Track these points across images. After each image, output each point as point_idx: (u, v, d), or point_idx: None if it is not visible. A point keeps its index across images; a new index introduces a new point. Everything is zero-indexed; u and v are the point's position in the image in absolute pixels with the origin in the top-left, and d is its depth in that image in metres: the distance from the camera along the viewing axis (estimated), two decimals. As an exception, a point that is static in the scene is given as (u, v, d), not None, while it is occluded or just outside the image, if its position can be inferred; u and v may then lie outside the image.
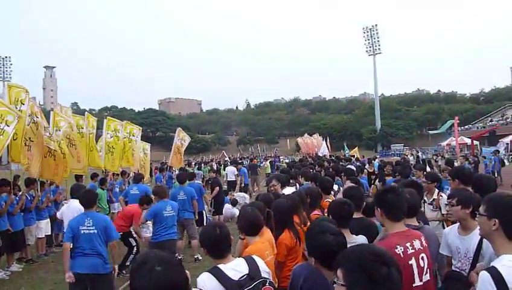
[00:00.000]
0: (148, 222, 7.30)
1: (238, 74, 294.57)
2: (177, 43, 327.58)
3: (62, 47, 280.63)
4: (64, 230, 5.56)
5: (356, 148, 31.70)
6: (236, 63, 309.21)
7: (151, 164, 17.64)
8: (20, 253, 8.45)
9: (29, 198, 8.33)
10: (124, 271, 7.32)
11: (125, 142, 11.68)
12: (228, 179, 16.42)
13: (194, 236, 8.17)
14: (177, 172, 14.98)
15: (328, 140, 36.21)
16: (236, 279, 2.31)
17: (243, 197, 13.24)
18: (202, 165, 27.79)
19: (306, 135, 41.19)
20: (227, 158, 34.24)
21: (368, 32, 79.06)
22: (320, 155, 27.09)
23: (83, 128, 10.35)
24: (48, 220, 8.93)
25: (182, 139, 13.42)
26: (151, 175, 17.98)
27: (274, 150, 53.85)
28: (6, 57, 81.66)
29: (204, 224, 9.81)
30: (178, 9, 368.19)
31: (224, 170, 19.26)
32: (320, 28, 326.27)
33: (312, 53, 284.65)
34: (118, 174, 12.63)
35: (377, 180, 9.92)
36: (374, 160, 16.08)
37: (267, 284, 2.36)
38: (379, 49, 78.98)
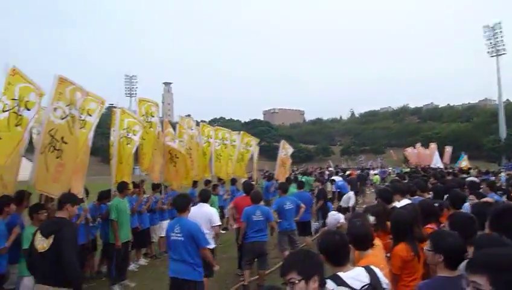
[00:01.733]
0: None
1: (342, 83, 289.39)
2: (282, 55, 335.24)
3: (176, 64, 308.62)
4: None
5: (466, 157, 27.87)
6: (340, 72, 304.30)
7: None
8: (146, 249, 9.45)
9: (154, 200, 9.30)
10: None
11: (244, 153, 12.23)
12: (333, 190, 16.09)
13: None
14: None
15: (436, 150, 32.79)
16: (358, 288, 2.27)
17: (347, 198, 12.64)
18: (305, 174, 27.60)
19: (418, 144, 38.29)
20: (331, 168, 33.64)
21: (489, 31, 71.04)
22: (434, 167, 25.10)
23: (197, 138, 11.20)
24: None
25: (286, 151, 13.60)
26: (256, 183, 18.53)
27: (378, 160, 50.84)
28: (132, 75, 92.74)
29: (313, 233, 9.82)
30: (284, 23, 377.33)
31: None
32: (431, 30, 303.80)
33: (422, 57, 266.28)
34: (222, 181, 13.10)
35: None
36: (499, 173, 14.27)
37: None
38: (504, 49, 70.41)
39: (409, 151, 40.38)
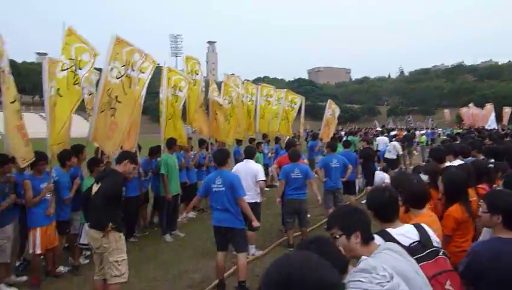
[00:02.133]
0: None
1: (391, 39, 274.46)
2: (328, 9, 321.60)
3: (222, 21, 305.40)
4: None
5: None
6: (389, 27, 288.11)
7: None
8: (194, 203, 9.86)
9: (201, 156, 9.59)
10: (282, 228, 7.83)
11: (288, 111, 12.17)
12: (379, 149, 15.81)
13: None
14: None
15: (493, 110, 30.35)
16: (407, 245, 2.21)
17: (392, 147, 12.35)
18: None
19: (471, 104, 35.91)
20: (378, 128, 32.77)
21: None
22: (488, 128, 23.74)
23: (244, 96, 11.24)
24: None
25: (332, 111, 13.33)
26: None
27: (428, 121, 48.38)
28: (178, 35, 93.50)
29: (356, 193, 9.76)
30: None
31: (376, 140, 18.63)
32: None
33: (480, 11, 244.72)
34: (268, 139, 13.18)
35: None
36: None
37: (440, 253, 2.22)
38: None
39: (464, 111, 38.08)
